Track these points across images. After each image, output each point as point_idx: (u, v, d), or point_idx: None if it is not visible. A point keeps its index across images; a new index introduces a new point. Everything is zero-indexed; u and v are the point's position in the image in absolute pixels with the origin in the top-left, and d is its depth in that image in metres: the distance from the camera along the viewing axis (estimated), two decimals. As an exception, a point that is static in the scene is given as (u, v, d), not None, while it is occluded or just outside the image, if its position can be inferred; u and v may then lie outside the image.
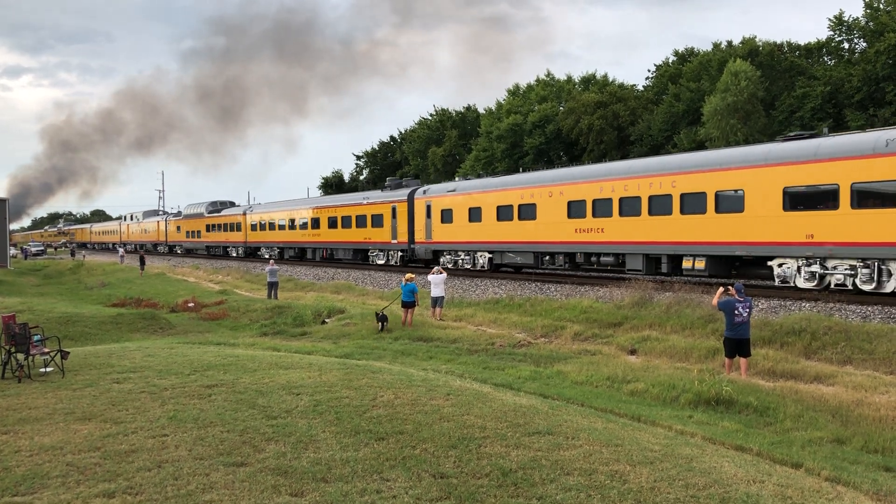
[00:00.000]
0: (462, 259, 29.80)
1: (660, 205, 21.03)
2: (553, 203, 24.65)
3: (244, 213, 50.78)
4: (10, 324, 10.24)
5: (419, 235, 31.61)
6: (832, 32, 34.52)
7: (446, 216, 29.87)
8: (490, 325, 19.42)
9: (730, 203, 19.30)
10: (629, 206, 21.96)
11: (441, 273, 20.69)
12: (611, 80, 48.35)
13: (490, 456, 6.31)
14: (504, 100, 50.66)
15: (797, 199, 17.79)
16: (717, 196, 19.54)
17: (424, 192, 32.02)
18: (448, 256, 30.49)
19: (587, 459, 6.29)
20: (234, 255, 51.90)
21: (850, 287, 17.06)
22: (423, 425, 7.22)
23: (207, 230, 56.03)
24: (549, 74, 50.67)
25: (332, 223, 38.84)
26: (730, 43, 38.26)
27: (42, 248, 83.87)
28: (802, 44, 37.02)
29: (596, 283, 23.16)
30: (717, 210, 19.56)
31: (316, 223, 40.60)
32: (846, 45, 34.80)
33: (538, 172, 27.69)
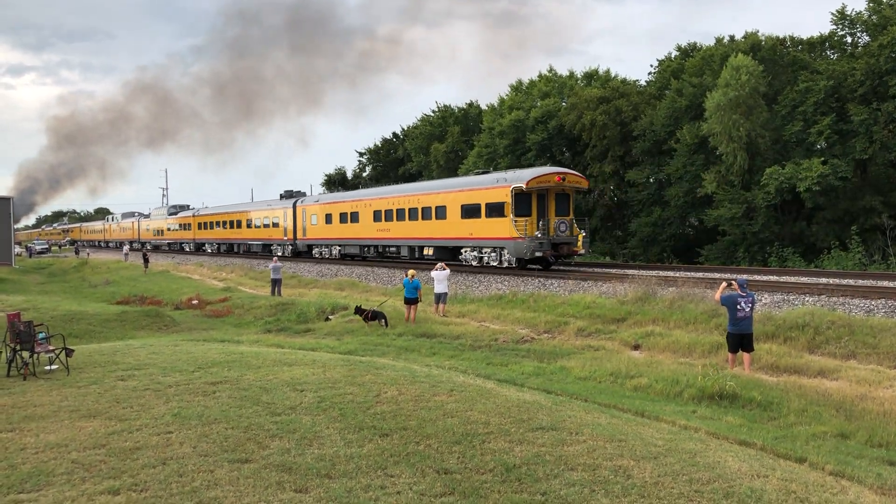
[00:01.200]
0: (322, 251, 40.42)
1: (413, 214, 31.60)
2: (367, 212, 35.13)
3: (193, 216, 60.57)
4: (15, 322, 10.27)
5: (299, 234, 42.32)
6: (835, 26, 34.36)
7: (313, 220, 40.56)
8: (493, 321, 19.42)
9: (441, 213, 29.87)
10: (401, 215, 32.54)
11: (444, 269, 20.69)
12: (613, 75, 48.22)
13: (494, 451, 6.32)
14: (506, 95, 50.58)
15: (466, 212, 28.45)
16: (436, 209, 30.08)
17: (301, 201, 42.58)
18: (316, 249, 41.01)
19: (591, 455, 6.30)
20: (187, 249, 61.59)
21: (493, 264, 27.56)
22: (427, 421, 7.23)
23: (168, 229, 65.83)
24: (551, 70, 50.55)
25: (249, 224, 49.22)
26: (732, 37, 38.14)
27: (46, 246, 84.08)
28: (805, 38, 36.91)
29: (599, 278, 23.16)
30: (437, 218, 30.08)
31: (239, 224, 50.79)
32: (849, 39, 34.64)
33: (360, 191, 41.04)
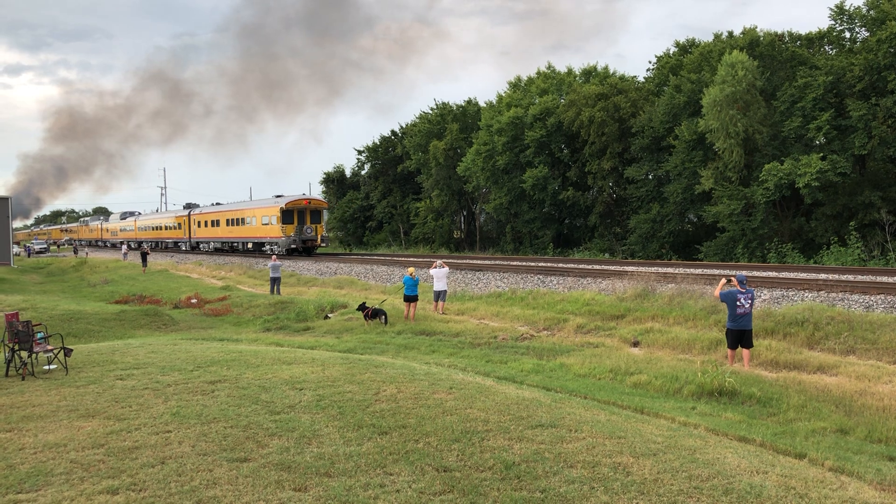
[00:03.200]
0: (203, 245, 57.66)
1: (242, 221, 49.61)
2: (223, 220, 53.01)
3: (135, 220, 76.86)
4: (14, 321, 10.25)
5: (192, 234, 59.63)
6: (833, 21, 34.29)
7: (198, 224, 58.14)
8: (492, 318, 19.42)
9: (252, 222, 47.83)
10: (237, 222, 50.39)
11: (444, 267, 20.68)
12: (611, 71, 48.14)
13: (493, 449, 6.31)
14: (505, 93, 50.50)
15: (263, 221, 45.83)
16: (251, 219, 47.89)
17: (193, 211, 60.40)
18: (202, 245, 57.88)
19: (590, 452, 6.30)
20: (132, 246, 72.90)
21: (276, 252, 43.00)
22: (426, 419, 7.23)
23: (121, 230, 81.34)
24: (549, 67, 50.46)
25: (168, 227, 66.24)
26: (730, 33, 38.04)
27: (45, 245, 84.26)
28: (803, 33, 36.84)
29: (598, 275, 23.17)
30: (252, 224, 47.92)
31: (160, 227, 68.46)
32: (847, 35, 34.57)
33: (221, 205, 56.57)
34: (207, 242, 56.60)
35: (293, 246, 43.48)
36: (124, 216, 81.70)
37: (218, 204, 58.49)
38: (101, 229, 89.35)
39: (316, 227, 44.62)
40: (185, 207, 63.61)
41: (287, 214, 43.94)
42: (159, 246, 68.32)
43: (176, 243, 63.76)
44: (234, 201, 56.86)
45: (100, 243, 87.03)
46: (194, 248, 59.31)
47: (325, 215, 49.14)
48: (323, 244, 45.42)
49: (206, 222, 56.47)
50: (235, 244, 51.78)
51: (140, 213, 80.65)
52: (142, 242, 71.05)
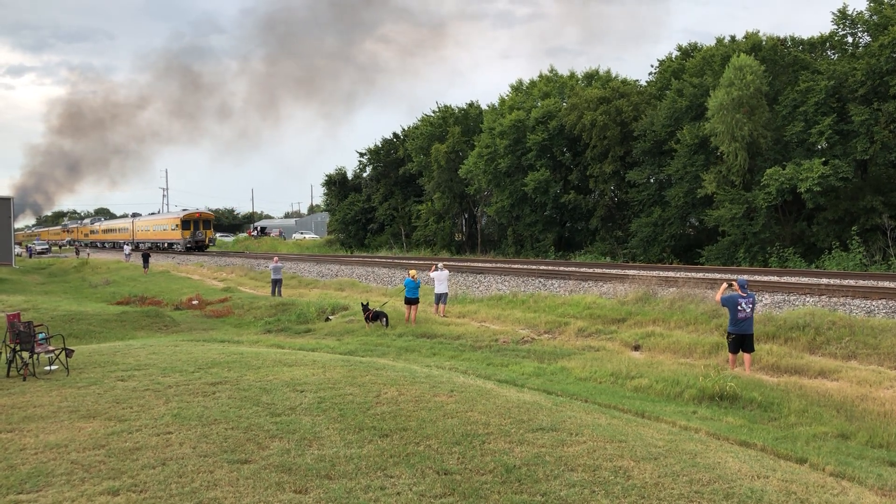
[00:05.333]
0: (141, 245, 69.09)
1: (163, 227, 67.99)
2: (152, 226, 70.70)
3: (99, 224, 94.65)
4: (15, 322, 10.27)
5: (135, 237, 73.95)
6: (836, 26, 34.27)
7: (138, 229, 73.85)
8: (494, 321, 19.41)
9: (165, 228, 68.09)
10: (157, 228, 69.78)
11: (444, 270, 20.67)
12: (614, 75, 48.12)
13: (494, 452, 6.31)
14: (507, 96, 50.54)
15: (171, 227, 66.10)
16: (166, 226, 67.15)
17: (136, 218, 77.36)
18: (141, 245, 69.27)
19: (591, 455, 6.29)
20: (98, 245, 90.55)
21: (178, 250, 63.64)
22: (427, 422, 7.23)
23: (91, 233, 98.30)
24: (552, 70, 50.47)
25: (119, 230, 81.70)
26: (733, 38, 38.06)
27: (46, 246, 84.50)
28: (806, 38, 36.83)
29: (599, 278, 23.17)
30: (166, 230, 67.15)
31: (115, 230, 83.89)
32: (850, 39, 34.55)
33: (158, 215, 75.07)
34: (144, 242, 72.38)
35: (188, 245, 61.95)
36: (93, 221, 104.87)
37: (152, 214, 75.68)
38: (78, 231, 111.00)
39: (206, 231, 64.13)
40: (131, 216, 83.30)
41: (185, 223, 62.52)
42: (115, 245, 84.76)
43: (125, 243, 77.86)
44: (161, 212, 76.20)
45: (76, 242, 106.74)
46: (135, 247, 72.65)
47: (212, 224, 68.72)
48: (210, 244, 64.81)
49: (142, 227, 74.19)
50: (158, 244, 68.72)
51: (102, 219, 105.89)
52: (104, 242, 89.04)
